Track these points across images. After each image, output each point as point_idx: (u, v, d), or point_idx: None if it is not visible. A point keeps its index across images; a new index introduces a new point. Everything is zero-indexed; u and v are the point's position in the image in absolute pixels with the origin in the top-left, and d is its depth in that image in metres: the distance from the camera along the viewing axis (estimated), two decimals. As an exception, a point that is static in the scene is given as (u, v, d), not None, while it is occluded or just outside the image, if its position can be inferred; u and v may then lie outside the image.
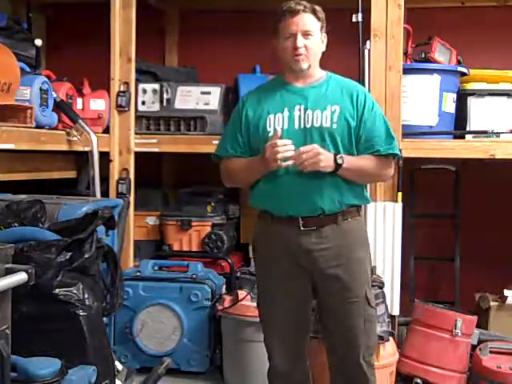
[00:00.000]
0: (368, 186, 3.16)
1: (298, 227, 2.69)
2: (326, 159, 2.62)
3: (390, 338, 3.49)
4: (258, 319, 3.51)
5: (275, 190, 2.71)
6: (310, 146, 2.62)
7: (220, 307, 3.79)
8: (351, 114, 2.71)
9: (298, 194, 2.67)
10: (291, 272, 2.73)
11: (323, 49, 2.79)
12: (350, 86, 2.82)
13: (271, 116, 2.72)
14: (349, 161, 2.67)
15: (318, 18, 2.72)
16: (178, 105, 4.38)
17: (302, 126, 2.69)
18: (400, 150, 2.98)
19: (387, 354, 3.42)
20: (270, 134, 2.69)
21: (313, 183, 2.66)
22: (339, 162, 2.64)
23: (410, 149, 3.77)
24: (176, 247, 4.51)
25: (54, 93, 3.67)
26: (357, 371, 2.76)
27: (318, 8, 2.72)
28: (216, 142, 3.96)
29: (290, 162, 2.61)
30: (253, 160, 2.74)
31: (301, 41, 2.67)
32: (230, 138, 2.85)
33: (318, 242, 2.70)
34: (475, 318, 3.72)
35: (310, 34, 2.69)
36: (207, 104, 4.35)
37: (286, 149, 2.59)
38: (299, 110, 2.71)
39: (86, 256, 2.65)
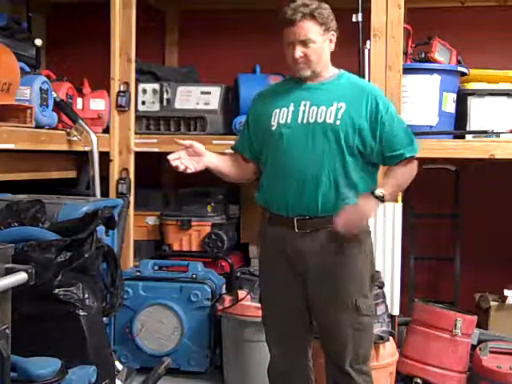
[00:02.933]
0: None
1: (293, 229, 2.68)
2: (372, 214, 2.64)
3: (390, 338, 3.49)
4: (258, 319, 3.51)
5: (274, 186, 2.71)
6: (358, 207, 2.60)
7: (220, 307, 3.79)
8: (359, 112, 2.67)
9: (293, 190, 2.65)
10: (288, 273, 2.72)
11: (331, 48, 2.73)
12: (363, 85, 2.81)
13: (277, 110, 2.72)
14: (388, 191, 2.63)
15: (319, 22, 2.64)
16: (177, 105, 4.38)
17: (305, 121, 2.67)
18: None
19: (387, 354, 3.42)
20: (273, 128, 2.69)
21: (309, 179, 2.64)
22: (382, 201, 2.61)
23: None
24: (176, 247, 4.51)
25: (54, 93, 3.68)
26: (344, 378, 2.74)
27: (317, 12, 2.63)
28: (216, 141, 4.03)
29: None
30: None
31: (298, 51, 2.64)
32: (241, 133, 2.93)
33: (312, 246, 2.67)
34: (475, 318, 3.72)
35: (309, 42, 2.64)
36: (207, 104, 4.35)
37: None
38: (304, 105, 2.69)
39: (86, 256, 2.66)
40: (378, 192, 2.60)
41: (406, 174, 2.74)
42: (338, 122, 2.65)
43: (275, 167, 2.70)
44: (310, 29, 2.64)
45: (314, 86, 2.73)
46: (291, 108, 2.70)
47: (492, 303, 4.10)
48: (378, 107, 2.68)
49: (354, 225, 2.58)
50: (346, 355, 2.71)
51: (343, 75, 2.78)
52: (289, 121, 2.69)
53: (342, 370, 2.73)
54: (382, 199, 2.60)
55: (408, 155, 2.72)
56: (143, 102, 4.39)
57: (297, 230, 2.68)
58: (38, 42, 3.85)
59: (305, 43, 2.64)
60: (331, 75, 2.77)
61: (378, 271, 3.34)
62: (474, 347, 3.70)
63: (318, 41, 2.66)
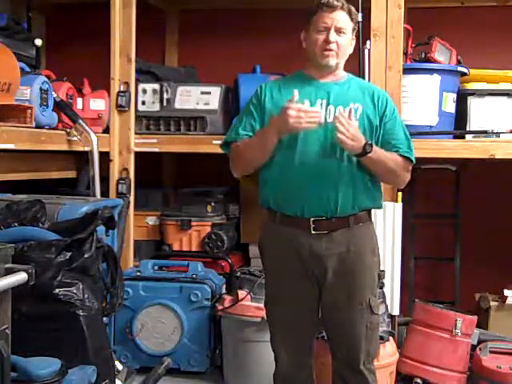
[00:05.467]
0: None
1: (309, 231, 2.66)
2: (355, 143, 2.59)
3: (390, 338, 3.49)
4: (258, 319, 3.53)
5: (288, 185, 2.67)
6: (346, 120, 2.58)
7: (220, 307, 3.79)
8: (373, 113, 2.70)
9: (312, 189, 2.64)
10: (299, 274, 2.71)
11: (351, 51, 2.77)
12: (372, 87, 2.84)
13: None
14: (376, 151, 2.64)
15: (352, 19, 2.71)
16: (178, 105, 4.38)
17: (323, 120, 2.66)
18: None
19: (387, 354, 3.42)
20: (283, 108, 2.63)
21: (328, 180, 2.64)
22: (368, 150, 2.60)
23: (410, 149, 3.78)
24: (176, 247, 4.51)
25: (54, 93, 3.68)
26: (357, 377, 2.75)
27: (353, 9, 2.72)
28: (216, 141, 4.02)
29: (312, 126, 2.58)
30: (263, 128, 2.68)
31: (333, 36, 2.65)
32: (243, 122, 2.78)
33: (329, 247, 2.67)
34: (475, 318, 3.72)
35: (343, 32, 2.67)
36: (207, 104, 4.34)
37: (314, 116, 2.57)
38: (321, 104, 2.69)
39: (86, 256, 2.65)
40: (368, 145, 2.60)
41: (397, 160, 2.72)
42: (356, 123, 2.66)
43: (288, 167, 2.66)
44: (346, 20, 2.69)
45: (327, 84, 2.73)
46: (306, 105, 2.67)
47: (492, 303, 4.10)
48: (385, 109, 2.73)
49: (350, 136, 2.57)
50: (359, 355, 2.72)
51: (352, 78, 2.81)
52: None
53: (356, 369, 2.74)
54: (368, 146, 2.60)
55: (402, 153, 2.73)
56: (143, 102, 4.38)
57: (313, 232, 2.67)
58: (38, 42, 3.85)
59: (339, 31, 2.67)
60: (342, 76, 2.78)
61: (382, 270, 3.35)
62: (474, 347, 3.70)
63: (348, 34, 2.71)
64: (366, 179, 2.70)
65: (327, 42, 2.66)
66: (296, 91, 2.61)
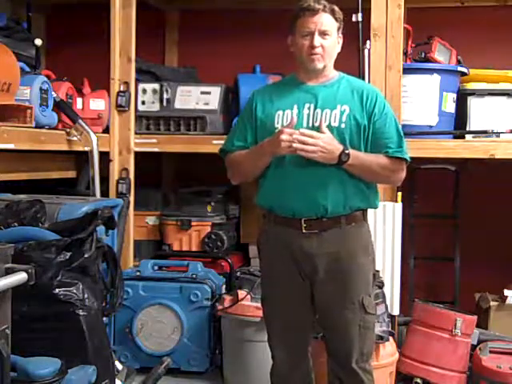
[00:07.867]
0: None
1: (301, 230, 2.68)
2: (327, 154, 2.61)
3: (390, 338, 3.49)
4: (258, 319, 3.53)
5: (280, 188, 2.70)
6: (315, 134, 2.60)
7: (220, 307, 3.79)
8: (360, 113, 2.69)
9: (302, 192, 2.66)
10: (293, 273, 2.73)
11: (338, 50, 2.78)
12: (362, 86, 2.82)
13: (280, 112, 2.72)
14: (356, 157, 2.64)
15: (336, 19, 2.71)
16: (177, 105, 4.38)
17: (311, 124, 2.68)
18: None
19: (387, 353, 3.42)
20: (277, 131, 2.67)
21: (318, 182, 2.65)
22: (343, 159, 2.62)
23: (410, 149, 3.75)
24: (176, 247, 4.51)
25: (53, 93, 3.67)
26: (350, 376, 2.76)
27: (336, 9, 2.71)
28: (216, 141, 4.02)
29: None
30: (258, 145, 2.72)
31: (318, 40, 2.66)
32: (237, 133, 2.84)
33: (320, 247, 2.68)
34: (475, 318, 3.72)
35: (328, 34, 2.68)
36: (207, 104, 4.35)
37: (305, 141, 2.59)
38: (308, 108, 2.70)
39: (86, 256, 2.65)
40: (344, 155, 2.61)
41: (382, 162, 2.71)
42: (342, 125, 2.68)
43: (280, 170, 2.69)
44: (329, 21, 2.69)
45: (316, 88, 2.74)
46: (295, 110, 2.70)
47: (492, 303, 4.10)
48: (374, 108, 2.71)
49: (319, 149, 2.59)
50: (352, 353, 2.73)
51: (343, 78, 2.81)
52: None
53: (349, 368, 2.74)
54: (344, 155, 2.61)
55: (391, 154, 2.72)
56: (143, 102, 4.38)
57: (304, 231, 2.68)
58: (38, 41, 3.85)
59: (324, 34, 2.67)
60: (333, 77, 2.79)
61: (377, 270, 3.35)
62: (474, 347, 3.70)
63: (333, 35, 2.71)
64: (358, 180, 2.70)
65: (312, 46, 2.67)
66: (293, 117, 2.65)
